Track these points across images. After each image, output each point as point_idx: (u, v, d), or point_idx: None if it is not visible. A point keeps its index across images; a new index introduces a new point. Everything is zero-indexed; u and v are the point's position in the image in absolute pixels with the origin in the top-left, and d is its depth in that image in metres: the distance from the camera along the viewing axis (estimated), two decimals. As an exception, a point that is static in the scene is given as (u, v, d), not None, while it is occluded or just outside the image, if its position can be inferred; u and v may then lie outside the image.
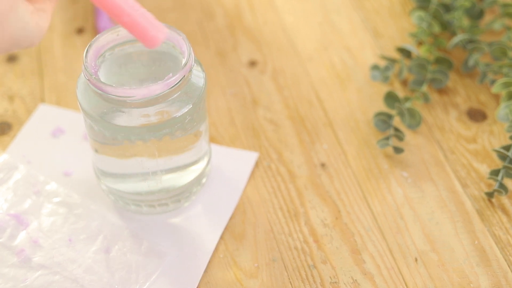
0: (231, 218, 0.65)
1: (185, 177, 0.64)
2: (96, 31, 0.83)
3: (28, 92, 0.77)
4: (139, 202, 0.64)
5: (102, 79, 0.57)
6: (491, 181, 0.68)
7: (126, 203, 0.64)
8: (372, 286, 0.61)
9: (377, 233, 0.64)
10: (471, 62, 0.76)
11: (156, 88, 0.55)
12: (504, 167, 0.66)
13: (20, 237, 0.63)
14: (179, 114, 0.58)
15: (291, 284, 0.61)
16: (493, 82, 0.74)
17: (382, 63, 0.78)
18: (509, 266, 0.62)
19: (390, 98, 0.73)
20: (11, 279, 0.61)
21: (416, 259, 0.62)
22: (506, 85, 0.70)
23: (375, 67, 0.77)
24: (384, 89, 0.76)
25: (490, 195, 0.66)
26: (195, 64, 0.60)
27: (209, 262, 0.62)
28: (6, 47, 0.46)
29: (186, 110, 0.58)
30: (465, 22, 0.79)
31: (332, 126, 0.73)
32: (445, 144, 0.71)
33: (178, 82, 0.56)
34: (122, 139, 0.59)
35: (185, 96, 0.58)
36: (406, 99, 0.73)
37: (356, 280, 0.61)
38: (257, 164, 0.70)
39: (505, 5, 0.79)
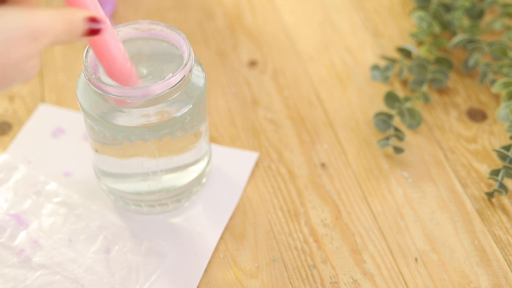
0: (231, 218, 0.65)
1: (185, 177, 0.64)
2: (96, 31, 0.83)
3: (28, 92, 0.77)
4: (140, 202, 0.64)
5: (103, 78, 0.57)
6: (491, 181, 0.68)
7: (126, 203, 0.64)
8: (373, 286, 0.61)
9: (377, 233, 0.64)
10: (471, 62, 0.76)
11: (156, 88, 0.55)
12: (504, 167, 0.66)
13: (20, 237, 0.63)
14: (179, 114, 0.58)
15: (291, 284, 0.61)
16: (493, 82, 0.74)
17: (382, 63, 0.78)
18: (509, 266, 0.62)
19: (390, 98, 0.73)
20: (11, 279, 0.61)
21: (416, 259, 0.62)
22: (506, 85, 0.70)
23: (375, 67, 0.77)
24: (384, 89, 0.76)
25: (490, 195, 0.66)
26: (195, 64, 0.60)
27: (209, 262, 0.62)
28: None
29: (186, 110, 0.58)
30: (465, 22, 0.79)
31: (332, 126, 0.73)
32: (445, 144, 0.71)
33: (178, 82, 0.56)
34: (122, 139, 0.59)
35: (185, 96, 0.58)
36: (406, 99, 0.73)
37: (356, 280, 0.61)
38: (257, 164, 0.70)
39: (505, 5, 0.79)
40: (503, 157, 0.67)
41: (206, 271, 0.62)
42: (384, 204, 0.66)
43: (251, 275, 0.62)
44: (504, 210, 0.66)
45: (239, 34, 0.83)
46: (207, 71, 0.77)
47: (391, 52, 0.80)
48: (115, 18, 0.84)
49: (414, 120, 0.72)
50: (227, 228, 0.65)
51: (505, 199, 0.67)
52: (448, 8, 0.79)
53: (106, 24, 0.50)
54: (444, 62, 0.76)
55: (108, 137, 0.59)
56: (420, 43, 0.79)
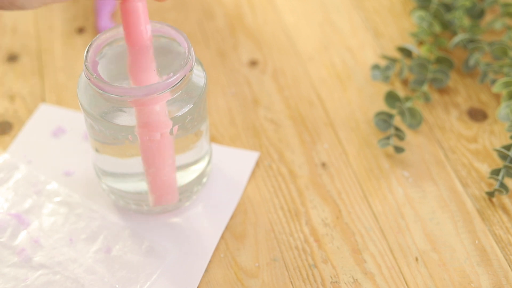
0: (231, 218, 0.65)
1: (186, 176, 0.64)
2: (96, 30, 0.83)
3: (29, 91, 0.77)
4: (140, 202, 0.64)
5: (102, 74, 0.57)
6: (491, 181, 0.68)
7: (127, 202, 0.64)
8: (373, 286, 0.61)
9: (378, 233, 0.64)
10: (471, 62, 0.76)
11: (157, 88, 0.55)
12: (505, 166, 0.66)
13: (21, 237, 0.63)
14: (179, 113, 0.58)
15: (292, 283, 0.61)
16: (493, 81, 0.74)
17: (383, 63, 0.78)
18: (509, 266, 0.62)
19: (391, 97, 0.73)
20: (11, 278, 0.61)
21: (417, 259, 0.62)
22: (507, 84, 0.70)
23: (375, 67, 0.77)
24: (384, 88, 0.76)
25: (490, 194, 0.66)
26: (195, 64, 0.60)
27: (210, 261, 0.62)
28: None
29: (186, 110, 0.58)
30: (466, 21, 0.79)
31: (332, 125, 0.73)
32: (445, 143, 0.71)
33: (178, 82, 0.56)
34: (122, 138, 0.58)
35: (186, 96, 0.58)
36: (407, 98, 0.73)
37: (357, 279, 0.61)
38: (258, 164, 0.70)
39: (506, 5, 0.79)
40: (503, 156, 0.67)
41: (206, 270, 0.62)
42: (384, 203, 0.66)
43: (252, 275, 0.62)
44: (504, 209, 0.66)
45: (239, 34, 0.83)
46: (207, 71, 0.77)
47: (391, 51, 0.80)
48: (115, 18, 0.84)
49: (414, 119, 0.72)
50: (227, 228, 0.65)
51: (505, 199, 0.67)
52: (448, 7, 0.79)
53: None
54: (444, 62, 0.76)
55: (109, 136, 0.59)
56: (420, 43, 0.79)
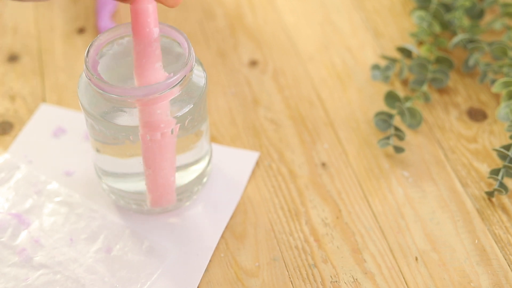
0: (232, 218, 0.66)
1: (186, 176, 0.64)
2: (97, 30, 0.83)
3: (29, 91, 0.77)
4: (140, 202, 0.64)
5: (102, 74, 0.57)
6: (491, 181, 0.68)
7: (127, 202, 0.65)
8: (373, 286, 0.61)
9: (378, 233, 0.64)
10: (471, 62, 0.76)
11: (157, 88, 0.55)
12: (505, 166, 0.66)
13: (21, 237, 0.63)
14: (180, 113, 0.58)
15: (292, 283, 0.61)
16: (493, 81, 0.74)
17: (383, 63, 0.78)
18: (509, 265, 0.62)
19: (391, 97, 0.73)
20: (12, 278, 0.61)
21: (416, 259, 0.63)
22: (507, 84, 0.70)
23: (375, 67, 0.77)
24: (384, 88, 0.76)
25: (490, 194, 0.66)
26: (196, 64, 0.60)
27: (210, 261, 0.62)
28: None
29: (187, 110, 0.58)
30: (466, 21, 0.79)
31: (332, 125, 0.73)
32: (445, 143, 0.71)
33: (179, 82, 0.56)
34: (123, 138, 0.59)
35: (186, 96, 0.58)
36: (407, 98, 0.73)
37: (356, 279, 0.61)
38: (258, 164, 0.70)
39: (505, 5, 0.79)
40: (503, 156, 0.67)
41: (206, 270, 0.62)
42: (384, 203, 0.66)
43: (252, 275, 0.62)
44: (504, 209, 0.66)
45: (240, 34, 0.83)
46: (207, 71, 0.77)
47: (391, 51, 0.80)
48: (115, 18, 0.84)
49: (414, 119, 0.72)
50: (227, 228, 0.65)
51: (505, 199, 0.67)
52: (448, 8, 0.79)
53: None
54: (444, 62, 0.76)
55: (109, 136, 0.59)
56: (420, 43, 0.79)
